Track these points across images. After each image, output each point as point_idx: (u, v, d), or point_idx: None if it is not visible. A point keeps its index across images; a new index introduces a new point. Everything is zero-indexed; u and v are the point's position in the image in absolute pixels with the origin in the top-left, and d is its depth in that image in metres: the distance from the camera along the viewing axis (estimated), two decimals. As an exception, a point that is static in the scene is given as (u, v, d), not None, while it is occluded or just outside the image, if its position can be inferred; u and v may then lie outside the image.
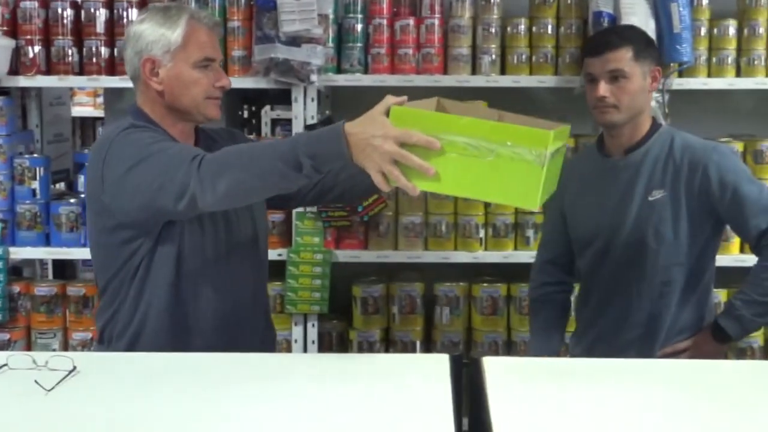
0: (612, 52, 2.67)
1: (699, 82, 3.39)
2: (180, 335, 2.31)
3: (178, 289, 2.30)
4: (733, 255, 3.38)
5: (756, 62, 3.40)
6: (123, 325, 2.32)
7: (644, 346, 2.68)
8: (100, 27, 3.37)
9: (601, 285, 2.77)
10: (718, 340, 2.65)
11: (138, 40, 2.31)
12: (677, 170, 2.65)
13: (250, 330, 2.45)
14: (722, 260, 3.04)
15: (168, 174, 2.11)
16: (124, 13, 3.35)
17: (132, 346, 2.31)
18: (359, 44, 3.39)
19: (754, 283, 2.65)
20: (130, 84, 2.41)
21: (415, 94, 3.30)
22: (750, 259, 2.91)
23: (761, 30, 3.38)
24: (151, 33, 2.29)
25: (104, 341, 2.37)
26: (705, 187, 2.61)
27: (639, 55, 2.68)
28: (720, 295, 3.34)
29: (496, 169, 1.91)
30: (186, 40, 2.29)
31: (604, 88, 2.66)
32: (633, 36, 2.75)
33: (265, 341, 2.53)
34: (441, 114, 2.05)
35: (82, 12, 3.39)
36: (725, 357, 2.87)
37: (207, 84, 2.32)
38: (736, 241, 3.36)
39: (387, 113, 1.95)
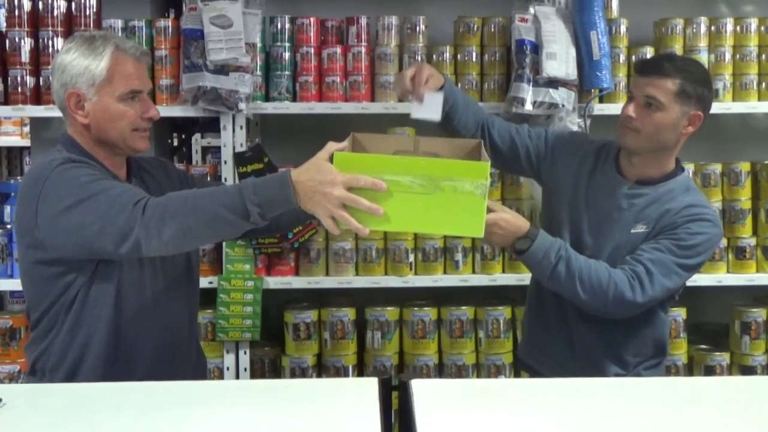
0: (657, 78, 2.57)
1: (619, 108, 3.33)
2: (120, 368, 2.29)
3: (118, 323, 2.28)
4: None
5: (673, 88, 3.50)
6: (57, 358, 2.29)
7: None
8: (25, 56, 3.34)
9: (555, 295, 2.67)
10: (516, 247, 2.53)
11: (63, 72, 2.27)
12: (667, 215, 2.58)
13: (185, 359, 2.45)
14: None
15: (109, 218, 2.09)
16: (50, 42, 3.33)
17: (70, 379, 2.27)
18: (287, 72, 3.42)
19: (587, 262, 2.53)
20: (56, 113, 2.39)
21: (344, 121, 3.39)
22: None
23: (677, 57, 3.50)
24: (75, 66, 2.26)
25: (36, 373, 2.33)
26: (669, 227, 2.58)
27: (685, 92, 2.56)
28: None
29: (441, 202, 2.02)
30: (111, 73, 2.26)
31: (633, 108, 2.59)
32: (689, 72, 2.59)
33: (197, 369, 2.53)
34: (383, 156, 2.14)
35: (7, 41, 3.37)
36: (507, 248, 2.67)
37: (134, 116, 2.29)
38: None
39: (330, 159, 2.02)
